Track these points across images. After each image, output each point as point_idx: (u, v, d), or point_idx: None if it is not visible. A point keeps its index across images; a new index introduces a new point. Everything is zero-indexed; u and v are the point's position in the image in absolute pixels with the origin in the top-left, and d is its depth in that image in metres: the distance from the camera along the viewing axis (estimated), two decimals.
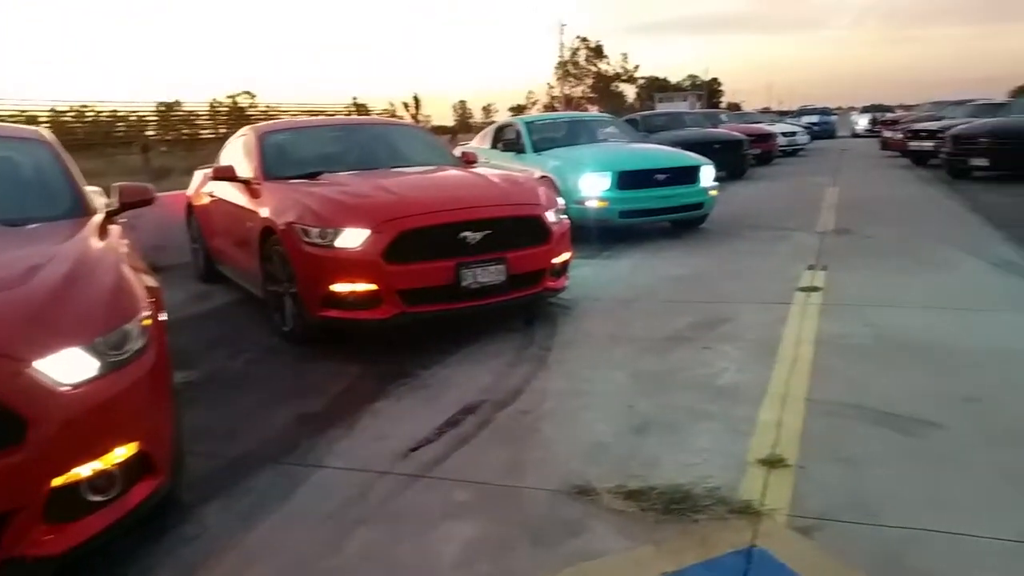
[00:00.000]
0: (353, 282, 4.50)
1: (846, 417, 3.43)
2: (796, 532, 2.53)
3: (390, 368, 4.42)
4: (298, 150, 6.22)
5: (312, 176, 5.45)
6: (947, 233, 8.03)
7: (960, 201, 10.70)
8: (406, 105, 52.19)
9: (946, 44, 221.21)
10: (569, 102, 57.93)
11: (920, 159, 16.66)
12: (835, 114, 39.92)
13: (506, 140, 10.01)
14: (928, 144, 16.06)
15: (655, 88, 61.05)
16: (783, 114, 37.10)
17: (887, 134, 21.55)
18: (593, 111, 46.19)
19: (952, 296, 5.47)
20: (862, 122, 35.42)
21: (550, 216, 5.16)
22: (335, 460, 3.28)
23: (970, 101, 21.40)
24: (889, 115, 29.78)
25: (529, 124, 10.00)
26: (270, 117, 25.00)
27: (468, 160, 6.51)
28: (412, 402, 3.93)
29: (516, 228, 4.94)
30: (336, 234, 4.52)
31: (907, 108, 33.74)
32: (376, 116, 31.21)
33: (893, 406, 3.49)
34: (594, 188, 8.08)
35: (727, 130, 17.29)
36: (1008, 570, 2.29)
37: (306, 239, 4.61)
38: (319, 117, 16.92)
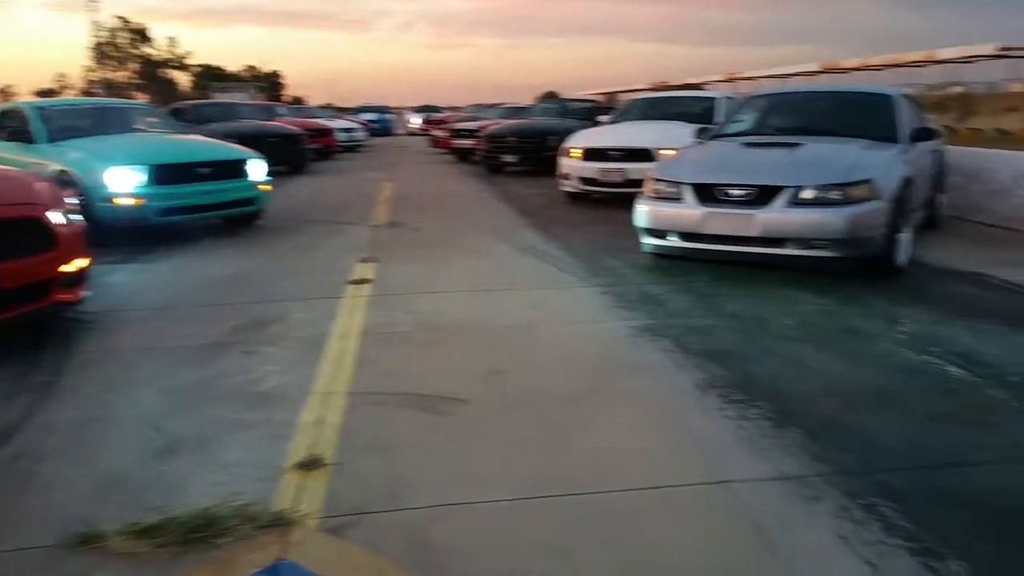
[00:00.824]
0: None
1: (385, 405, 3.49)
2: (328, 534, 2.45)
3: None
4: None
5: None
6: (484, 223, 8.92)
7: (495, 194, 12.03)
8: None
9: (488, 52, 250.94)
10: (111, 87, 51.90)
11: (463, 156, 18.44)
12: (392, 112, 42.09)
13: (10, 128, 8.33)
14: (469, 142, 17.82)
15: (212, 77, 57.92)
16: (343, 110, 38.05)
17: (436, 133, 23.48)
18: (142, 99, 42.08)
19: (486, 280, 6.04)
20: (415, 121, 37.98)
21: (54, 216, 4.37)
22: None
23: (502, 104, 24.49)
24: (437, 115, 32.45)
25: (41, 110, 8.49)
26: None
27: None
28: None
29: (5, 232, 4.08)
30: None
31: (454, 109, 37.05)
32: None
33: (428, 388, 3.66)
34: (126, 183, 7.18)
35: (285, 124, 17.06)
36: (511, 527, 2.49)
37: None
38: None
